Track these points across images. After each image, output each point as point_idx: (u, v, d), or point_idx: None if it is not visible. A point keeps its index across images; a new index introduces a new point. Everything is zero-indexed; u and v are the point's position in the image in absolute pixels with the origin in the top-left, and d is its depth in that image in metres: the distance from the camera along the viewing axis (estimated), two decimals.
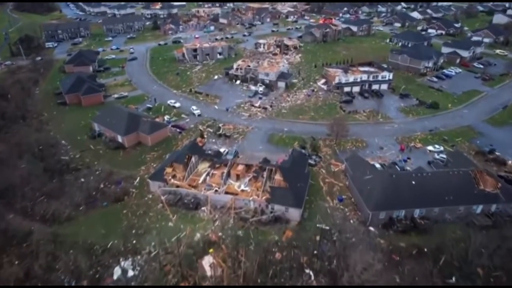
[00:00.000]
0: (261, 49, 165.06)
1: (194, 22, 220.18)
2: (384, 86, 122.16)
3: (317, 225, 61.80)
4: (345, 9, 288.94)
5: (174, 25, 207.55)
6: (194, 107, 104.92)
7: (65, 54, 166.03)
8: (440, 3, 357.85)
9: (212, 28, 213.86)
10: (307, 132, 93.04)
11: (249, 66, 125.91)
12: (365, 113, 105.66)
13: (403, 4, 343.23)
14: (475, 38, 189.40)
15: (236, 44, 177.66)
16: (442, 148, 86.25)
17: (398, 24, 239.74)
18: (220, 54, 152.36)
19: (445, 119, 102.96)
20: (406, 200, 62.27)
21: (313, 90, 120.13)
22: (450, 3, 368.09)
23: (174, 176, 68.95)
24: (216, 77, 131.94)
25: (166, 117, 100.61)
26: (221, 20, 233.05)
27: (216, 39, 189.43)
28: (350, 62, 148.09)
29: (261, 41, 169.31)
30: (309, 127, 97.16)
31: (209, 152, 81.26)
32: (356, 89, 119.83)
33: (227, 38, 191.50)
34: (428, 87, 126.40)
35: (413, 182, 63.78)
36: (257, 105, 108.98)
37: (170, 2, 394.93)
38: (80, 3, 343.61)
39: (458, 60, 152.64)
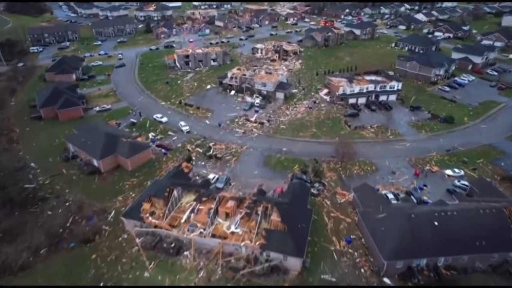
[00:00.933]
0: (258, 55, 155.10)
1: (189, 25, 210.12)
2: (393, 97, 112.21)
3: (322, 277, 51.82)
4: (347, 10, 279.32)
5: (167, 28, 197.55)
6: (182, 123, 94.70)
7: (50, 60, 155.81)
8: (444, 4, 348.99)
9: (207, 31, 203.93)
10: (309, 153, 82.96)
11: (244, 75, 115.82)
12: (372, 129, 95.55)
13: (406, 5, 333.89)
14: (485, 42, 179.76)
15: (232, 49, 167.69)
16: (462, 173, 76.08)
17: (402, 27, 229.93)
18: (214, 60, 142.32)
19: (462, 135, 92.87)
20: (428, 246, 52.08)
21: (314, 102, 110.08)
22: (455, 4, 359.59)
23: (152, 214, 58.76)
24: (208, 86, 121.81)
25: (151, 135, 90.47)
26: (217, 23, 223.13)
27: (211, 43, 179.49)
28: (355, 69, 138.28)
29: (258, 46, 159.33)
30: (311, 146, 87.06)
31: (196, 178, 71.25)
32: (362, 100, 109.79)
33: (222, 42, 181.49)
34: (440, 97, 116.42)
35: (436, 223, 53.63)
36: (253, 119, 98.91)
37: (165, 2, 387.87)
38: (72, 4, 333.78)
39: (470, 67, 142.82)
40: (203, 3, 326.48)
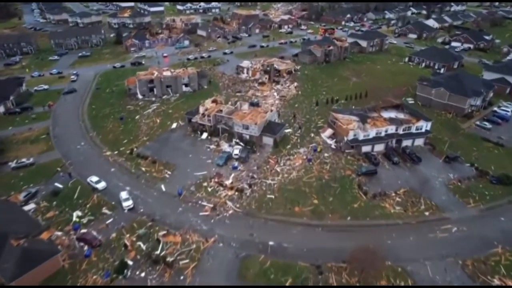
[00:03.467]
0: (244, 76, 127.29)
1: (165, 35, 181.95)
2: (419, 141, 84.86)
3: None
4: (348, 16, 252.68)
5: (138, 39, 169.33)
6: (124, 194, 66.15)
7: None
8: (453, 8, 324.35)
9: (186, 43, 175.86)
10: (308, 251, 55.27)
11: (220, 111, 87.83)
12: (398, 197, 67.97)
13: (412, 9, 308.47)
14: None
15: (213, 68, 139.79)
16: None
17: (413, 35, 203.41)
18: (186, 85, 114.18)
19: None
20: None
21: (315, 150, 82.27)
22: (464, 7, 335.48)
23: None
24: (174, 125, 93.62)
25: (75, 215, 62.16)
26: (200, 32, 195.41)
27: (189, 58, 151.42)
28: (365, 96, 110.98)
29: (244, 63, 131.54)
30: (311, 235, 59.30)
31: None
32: (379, 147, 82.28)
33: (202, 57, 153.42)
34: (481, 139, 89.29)
35: None
36: (228, 182, 71.03)
37: (157, 1, 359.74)
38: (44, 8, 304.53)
39: (508, 90, 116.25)
40: (189, 7, 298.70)
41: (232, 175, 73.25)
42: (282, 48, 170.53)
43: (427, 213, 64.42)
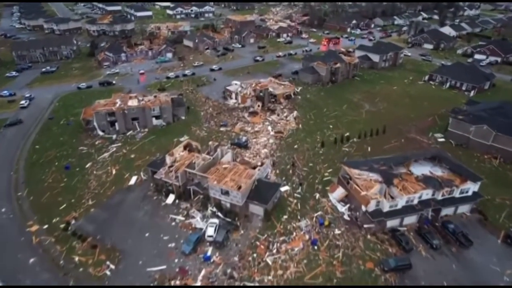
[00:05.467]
0: (231, 102, 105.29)
1: (146, 46, 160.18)
2: (464, 208, 62.78)
3: None
4: (354, 22, 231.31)
5: (113, 52, 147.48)
6: None
7: None
8: (466, 12, 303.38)
9: (169, 56, 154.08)
10: None
11: (193, 162, 65.74)
12: None
13: (423, 14, 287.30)
14: None
15: (196, 89, 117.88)
16: None
17: (428, 46, 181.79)
18: (157, 117, 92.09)
19: None
20: None
21: (321, 224, 60.10)
22: (478, 11, 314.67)
23: None
24: (134, 180, 71.48)
25: None
26: (186, 42, 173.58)
27: (168, 77, 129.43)
28: (382, 131, 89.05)
29: (233, 86, 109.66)
30: None
31: None
32: (411, 219, 60.22)
33: (184, 75, 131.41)
34: None
35: None
36: (196, 283, 48.91)
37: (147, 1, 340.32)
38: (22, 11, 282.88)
39: None
40: (179, 12, 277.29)
41: (202, 272, 51.07)
42: (279, 63, 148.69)
43: None
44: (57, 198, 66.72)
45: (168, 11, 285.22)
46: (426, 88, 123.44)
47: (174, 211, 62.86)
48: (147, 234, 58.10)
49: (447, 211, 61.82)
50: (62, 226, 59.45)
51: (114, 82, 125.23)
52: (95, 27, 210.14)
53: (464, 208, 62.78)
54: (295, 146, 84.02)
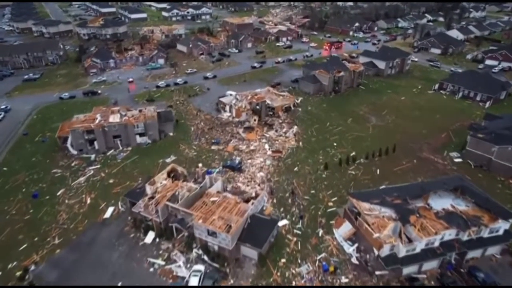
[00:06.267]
0: (225, 115, 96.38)
1: (136, 51, 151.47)
2: (493, 249, 53.88)
3: None
4: (357, 24, 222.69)
5: (100, 59, 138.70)
6: None
7: None
8: (472, 14, 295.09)
9: (160, 62, 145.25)
10: None
11: (175, 194, 56.86)
12: None
13: (427, 16, 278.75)
14: None
15: (187, 100, 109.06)
16: None
17: (436, 50, 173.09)
18: (142, 135, 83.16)
19: None
20: None
21: (326, 269, 51.19)
22: (484, 13, 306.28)
23: None
24: (110, 211, 62.49)
25: None
26: (180, 47, 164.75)
27: (158, 86, 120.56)
28: (392, 150, 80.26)
29: (227, 98, 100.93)
30: None
31: None
32: (431, 264, 51.33)
33: (176, 84, 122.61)
34: None
35: None
36: None
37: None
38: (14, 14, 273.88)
39: None
40: (175, 14, 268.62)
41: None
42: (278, 70, 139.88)
43: None
44: (17, 236, 57.71)
45: (164, 13, 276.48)
46: (436, 99, 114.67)
47: (154, 253, 53.92)
48: (120, 283, 49.15)
49: (474, 253, 52.96)
50: (18, 274, 50.45)
51: (99, 92, 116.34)
52: (86, 30, 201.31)
53: (493, 250, 53.93)
54: (295, 169, 75.10)
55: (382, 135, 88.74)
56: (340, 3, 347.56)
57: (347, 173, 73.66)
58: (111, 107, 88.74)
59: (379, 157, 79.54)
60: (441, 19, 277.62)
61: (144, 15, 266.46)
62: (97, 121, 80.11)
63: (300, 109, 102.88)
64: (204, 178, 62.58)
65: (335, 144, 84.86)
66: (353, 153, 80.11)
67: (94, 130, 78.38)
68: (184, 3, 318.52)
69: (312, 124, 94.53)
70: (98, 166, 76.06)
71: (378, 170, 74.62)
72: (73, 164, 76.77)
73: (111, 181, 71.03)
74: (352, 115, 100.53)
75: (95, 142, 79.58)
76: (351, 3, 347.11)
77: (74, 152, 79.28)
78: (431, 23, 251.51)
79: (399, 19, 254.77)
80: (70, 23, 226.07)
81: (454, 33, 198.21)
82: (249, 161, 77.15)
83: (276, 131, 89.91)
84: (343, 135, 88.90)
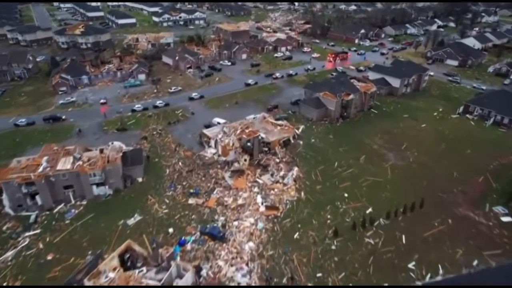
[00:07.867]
0: (209, 152, 78.87)
1: (114, 65, 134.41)
2: None
3: None
4: (363, 31, 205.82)
5: (71, 75, 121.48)
6: None
7: None
8: (484, 19, 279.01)
9: (141, 78, 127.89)
10: None
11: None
12: None
13: (437, 21, 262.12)
14: None
15: (166, 129, 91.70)
16: None
17: (453, 62, 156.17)
18: (100, 184, 65.76)
19: None
20: None
21: None
22: (497, 18, 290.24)
23: None
24: None
25: None
26: (165, 59, 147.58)
27: (134, 110, 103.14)
28: (419, 206, 63.18)
29: (212, 129, 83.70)
30: None
31: None
32: None
33: (155, 107, 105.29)
34: None
35: None
36: None
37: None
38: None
39: None
40: (166, 19, 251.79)
41: None
42: (276, 88, 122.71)
43: None
44: None
45: (155, 18, 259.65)
46: (463, 126, 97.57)
47: None
48: None
49: None
50: None
51: (63, 117, 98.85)
52: (64, 38, 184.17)
53: None
54: (296, 235, 57.80)
55: (404, 181, 71.64)
56: (343, 7, 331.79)
57: (364, 242, 56.42)
58: (63, 147, 71.06)
59: (403, 214, 62.39)
60: (452, 24, 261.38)
61: (132, 20, 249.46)
62: (40, 169, 62.76)
63: (301, 142, 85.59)
64: (169, 263, 45.31)
65: (346, 195, 67.55)
66: (370, 209, 63.00)
67: (35, 181, 61.02)
68: (177, 6, 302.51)
69: (316, 164, 77.18)
70: (38, 231, 58.67)
71: (403, 237, 57.44)
72: (4, 228, 59.39)
73: (49, 257, 53.51)
74: (365, 150, 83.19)
75: (37, 197, 62.20)
76: (354, 7, 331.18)
77: (10, 211, 61.88)
78: (442, 29, 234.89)
79: (407, 25, 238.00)
80: (50, 29, 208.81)
81: (471, 42, 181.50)
82: (236, 223, 59.84)
83: (272, 174, 72.65)
84: (356, 181, 71.59)
